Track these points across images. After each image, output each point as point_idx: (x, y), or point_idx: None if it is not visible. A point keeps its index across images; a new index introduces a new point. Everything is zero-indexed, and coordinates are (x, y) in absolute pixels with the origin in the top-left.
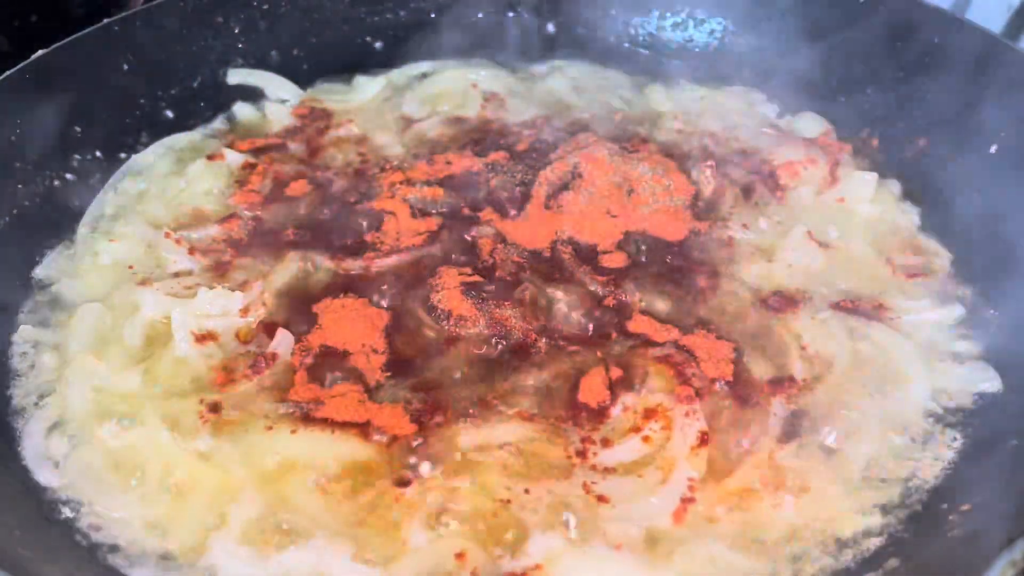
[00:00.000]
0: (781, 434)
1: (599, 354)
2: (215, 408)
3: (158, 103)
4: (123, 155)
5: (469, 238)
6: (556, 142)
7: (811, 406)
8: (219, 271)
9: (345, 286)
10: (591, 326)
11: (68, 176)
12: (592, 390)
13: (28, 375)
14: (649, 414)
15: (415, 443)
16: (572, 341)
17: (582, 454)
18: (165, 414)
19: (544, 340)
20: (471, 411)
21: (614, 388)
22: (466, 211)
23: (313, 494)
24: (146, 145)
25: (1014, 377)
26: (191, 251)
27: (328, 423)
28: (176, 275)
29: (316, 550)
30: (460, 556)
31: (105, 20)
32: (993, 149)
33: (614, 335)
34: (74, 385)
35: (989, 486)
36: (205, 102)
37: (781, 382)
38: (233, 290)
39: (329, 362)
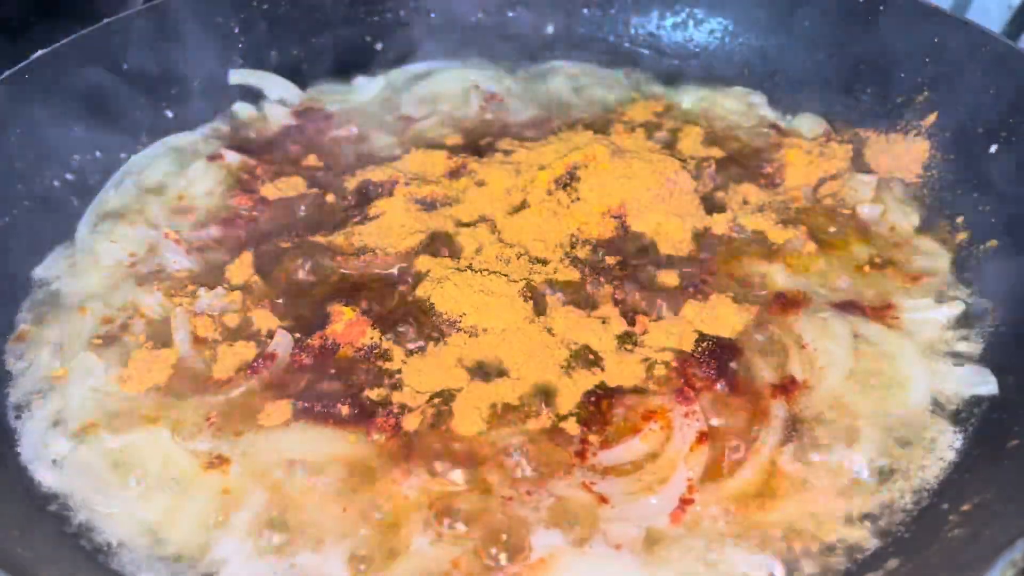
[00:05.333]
0: (781, 434)
1: (599, 353)
2: (215, 408)
3: (158, 103)
4: (123, 155)
5: (469, 238)
6: (556, 142)
7: (811, 407)
8: (219, 271)
9: (345, 286)
10: (591, 325)
11: (68, 176)
12: (592, 390)
13: (28, 375)
14: (649, 415)
15: (416, 442)
16: (572, 340)
17: (581, 454)
18: (164, 414)
19: (544, 339)
20: (471, 411)
21: (614, 388)
22: (465, 211)
23: (313, 493)
24: (146, 145)
25: (1013, 377)
26: (191, 251)
27: (328, 422)
28: (176, 275)
29: (316, 550)
30: (456, 562)
31: (105, 20)
32: (993, 149)
33: (613, 335)
34: (74, 385)
35: (989, 486)
36: (205, 102)
37: (781, 383)
38: (233, 290)
39: (328, 362)
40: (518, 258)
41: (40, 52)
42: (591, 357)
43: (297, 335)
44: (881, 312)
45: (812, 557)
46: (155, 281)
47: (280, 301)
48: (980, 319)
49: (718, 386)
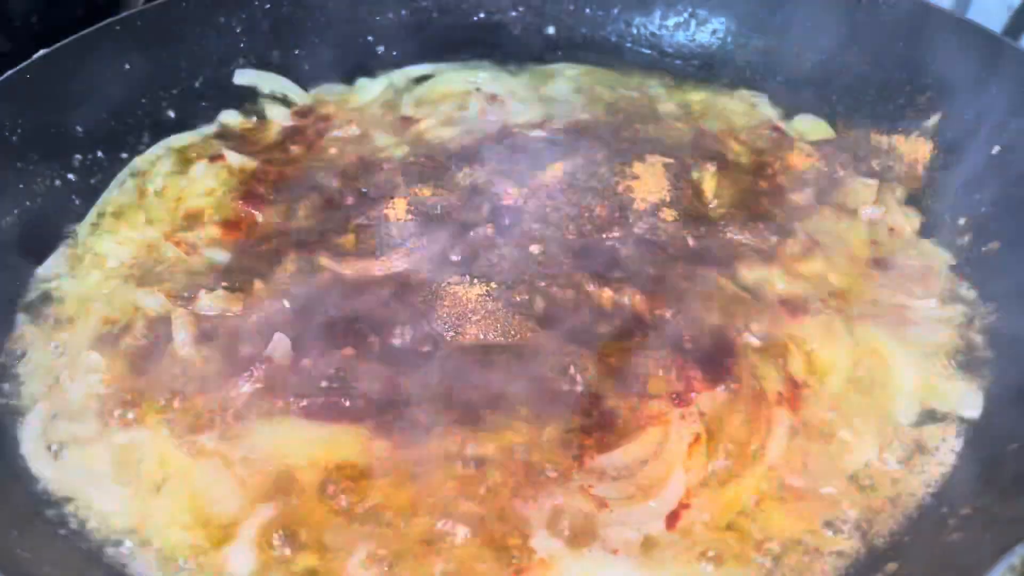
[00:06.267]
0: (780, 438)
1: (597, 357)
2: (216, 409)
3: (160, 103)
4: (124, 155)
5: (469, 240)
6: (556, 143)
7: (812, 410)
8: (219, 272)
9: (345, 287)
10: (589, 328)
11: (70, 176)
12: (590, 393)
13: (28, 374)
14: (647, 418)
15: (416, 446)
16: (570, 343)
17: (580, 458)
18: (165, 414)
19: (543, 343)
20: (471, 416)
21: (613, 391)
22: (466, 213)
23: (314, 495)
24: (148, 145)
25: (1014, 379)
26: (192, 252)
27: (328, 426)
28: (177, 276)
29: (317, 550)
30: (456, 563)
31: (105, 20)
32: (996, 150)
33: (613, 338)
34: (74, 385)
35: (989, 490)
36: (207, 102)
37: (782, 387)
38: (233, 291)
39: (328, 365)
40: (519, 261)
41: (41, 52)
42: (591, 359)
43: (297, 337)
44: (882, 315)
45: (811, 561)
46: (156, 282)
47: (280, 302)
48: (981, 321)
49: (718, 390)
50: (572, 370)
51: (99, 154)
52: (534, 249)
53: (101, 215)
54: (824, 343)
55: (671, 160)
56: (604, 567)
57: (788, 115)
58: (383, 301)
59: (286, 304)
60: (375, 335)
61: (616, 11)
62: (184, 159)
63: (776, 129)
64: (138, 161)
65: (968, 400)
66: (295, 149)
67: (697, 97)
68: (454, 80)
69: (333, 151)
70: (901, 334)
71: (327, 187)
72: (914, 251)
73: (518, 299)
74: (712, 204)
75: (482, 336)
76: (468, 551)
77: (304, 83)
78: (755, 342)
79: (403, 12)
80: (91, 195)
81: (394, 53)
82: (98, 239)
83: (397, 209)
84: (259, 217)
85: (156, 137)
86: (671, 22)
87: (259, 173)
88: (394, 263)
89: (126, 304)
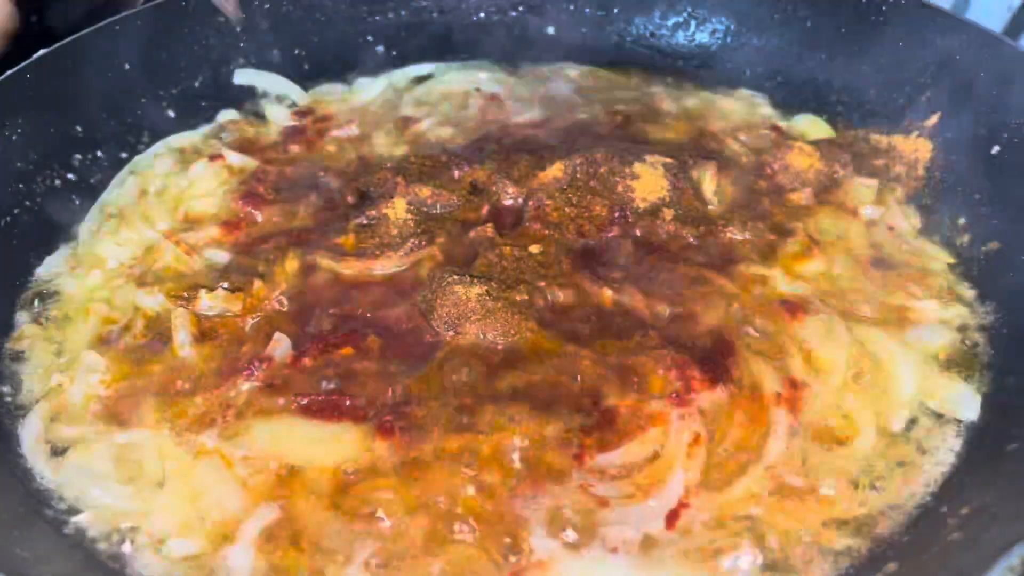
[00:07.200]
0: (780, 438)
1: (597, 356)
2: (216, 409)
3: (159, 103)
4: (124, 155)
5: (468, 239)
6: (556, 143)
7: (811, 410)
8: (219, 272)
9: (345, 287)
10: (589, 328)
11: (69, 176)
12: (590, 393)
13: (28, 374)
14: (647, 417)
15: (415, 448)
16: (570, 343)
17: (580, 457)
18: (165, 414)
19: (543, 343)
20: (471, 415)
21: (612, 391)
22: (466, 212)
23: (314, 495)
24: (148, 145)
25: (1013, 378)
26: (191, 252)
27: (328, 426)
28: (176, 275)
29: (317, 552)
30: (457, 563)
31: (105, 20)
32: (995, 150)
33: (613, 337)
34: (74, 384)
35: (988, 490)
36: (207, 102)
37: (781, 387)
38: (233, 291)
39: (328, 365)
40: (519, 261)
41: (41, 52)
42: (591, 359)
43: (297, 336)
44: (882, 315)
45: (810, 561)
46: (156, 282)
47: (280, 302)
48: (981, 321)
49: (717, 389)
50: (572, 370)
51: (99, 154)
52: (534, 249)
53: (101, 215)
54: (824, 343)
55: (671, 160)
56: (603, 566)
57: (788, 115)
58: (383, 301)
59: (286, 304)
60: (375, 335)
61: (616, 11)
62: (184, 159)
63: (776, 129)
64: (138, 161)
65: (967, 401)
66: (295, 149)
67: (697, 97)
68: (454, 80)
69: (333, 151)
70: (900, 334)
71: (327, 187)
72: (914, 251)
73: (518, 299)
74: (712, 204)
75: (482, 336)
76: (467, 551)
77: (304, 83)
78: (755, 342)
79: (403, 12)
80: (91, 195)
81: (394, 53)
82: (98, 239)
83: (397, 209)
84: (259, 217)
85: (156, 137)
86: (671, 22)
87: (259, 173)
88: (394, 263)
89: (126, 304)
